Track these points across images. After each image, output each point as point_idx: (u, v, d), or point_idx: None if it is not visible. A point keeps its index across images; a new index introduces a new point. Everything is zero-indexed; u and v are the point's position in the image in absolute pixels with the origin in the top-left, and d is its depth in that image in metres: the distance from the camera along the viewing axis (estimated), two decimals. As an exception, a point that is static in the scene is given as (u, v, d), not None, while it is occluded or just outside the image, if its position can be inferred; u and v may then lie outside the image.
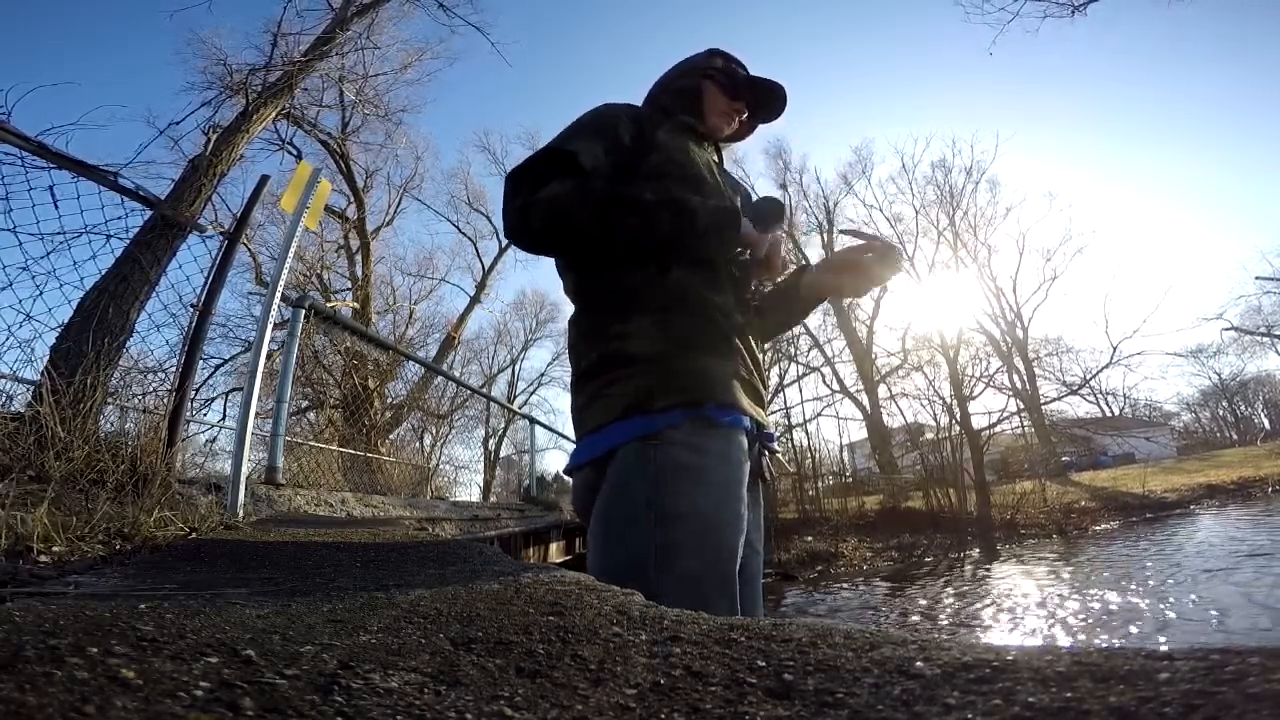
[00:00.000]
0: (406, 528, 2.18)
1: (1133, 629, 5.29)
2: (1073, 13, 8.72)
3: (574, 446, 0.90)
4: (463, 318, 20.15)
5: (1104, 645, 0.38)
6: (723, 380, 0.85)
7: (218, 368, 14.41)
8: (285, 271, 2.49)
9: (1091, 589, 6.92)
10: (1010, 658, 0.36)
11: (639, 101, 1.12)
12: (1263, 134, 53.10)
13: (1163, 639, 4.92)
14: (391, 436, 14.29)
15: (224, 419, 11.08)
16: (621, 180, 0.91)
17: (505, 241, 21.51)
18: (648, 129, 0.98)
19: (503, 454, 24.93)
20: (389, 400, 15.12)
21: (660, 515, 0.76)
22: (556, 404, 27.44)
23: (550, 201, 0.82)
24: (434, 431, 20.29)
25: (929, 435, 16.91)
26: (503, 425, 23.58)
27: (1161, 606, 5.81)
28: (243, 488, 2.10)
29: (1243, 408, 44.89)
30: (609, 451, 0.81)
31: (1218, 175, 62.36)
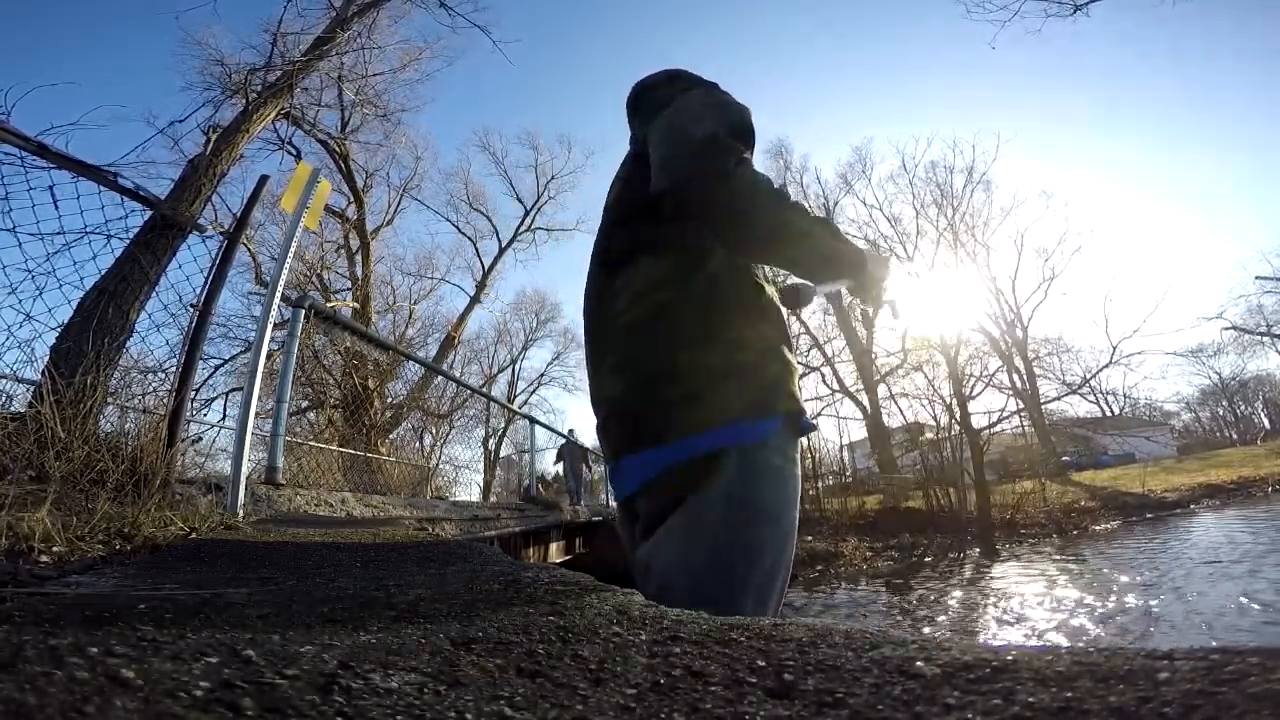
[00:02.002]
0: (406, 528, 2.18)
1: (1134, 628, 5.29)
2: (1074, 11, 8.72)
3: (644, 445, 0.85)
4: (463, 318, 20.14)
5: (1104, 645, 0.38)
6: (798, 389, 0.92)
7: (218, 368, 14.42)
8: (285, 271, 2.49)
9: (1091, 588, 6.92)
10: (1010, 658, 0.36)
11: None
12: (1263, 134, 53.08)
13: (1185, 638, 4.92)
14: (391, 436, 14.29)
15: (224, 419, 11.08)
16: None
17: (506, 241, 21.61)
18: (751, 155, 0.98)
19: (503, 454, 24.93)
20: (389, 400, 15.12)
21: (754, 517, 0.80)
22: (557, 404, 27.53)
23: (751, 185, 0.80)
24: (434, 431, 20.30)
25: (929, 435, 16.91)
26: (503, 425, 23.58)
27: (1161, 604, 5.82)
28: (243, 488, 2.10)
29: (1243, 407, 44.91)
30: (711, 454, 0.81)
31: (1218, 175, 62.36)
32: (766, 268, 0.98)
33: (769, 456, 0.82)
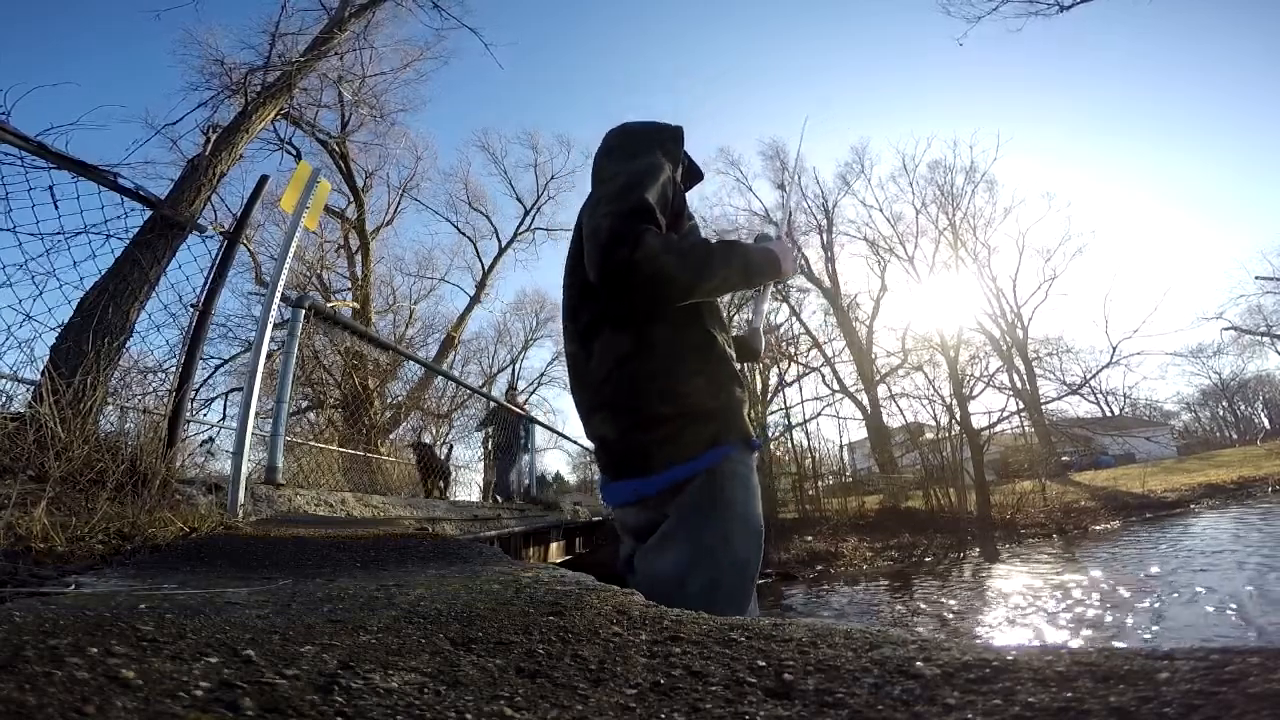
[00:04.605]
0: (406, 528, 2.18)
1: (1134, 628, 5.29)
2: (1059, 10, 8.74)
3: (636, 474, 1.07)
4: (463, 317, 20.14)
5: (1104, 645, 0.38)
6: (746, 418, 1.15)
7: (218, 368, 14.41)
8: (285, 271, 2.49)
9: (1092, 588, 6.92)
10: (1010, 658, 0.36)
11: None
12: (1263, 134, 53.01)
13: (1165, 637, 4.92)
14: (391, 436, 14.29)
15: (224, 419, 11.07)
16: None
17: (505, 241, 21.63)
18: (680, 198, 1.16)
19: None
20: (389, 400, 15.12)
21: (727, 512, 1.02)
22: (557, 404, 27.40)
23: (655, 258, 0.96)
24: (434, 431, 20.28)
25: (929, 435, 16.90)
26: (503, 425, 23.45)
27: (1162, 604, 5.82)
28: (243, 488, 2.10)
29: (1243, 407, 44.88)
30: (691, 476, 1.03)
31: (1218, 175, 62.22)
32: (714, 322, 1.20)
33: (734, 467, 1.05)
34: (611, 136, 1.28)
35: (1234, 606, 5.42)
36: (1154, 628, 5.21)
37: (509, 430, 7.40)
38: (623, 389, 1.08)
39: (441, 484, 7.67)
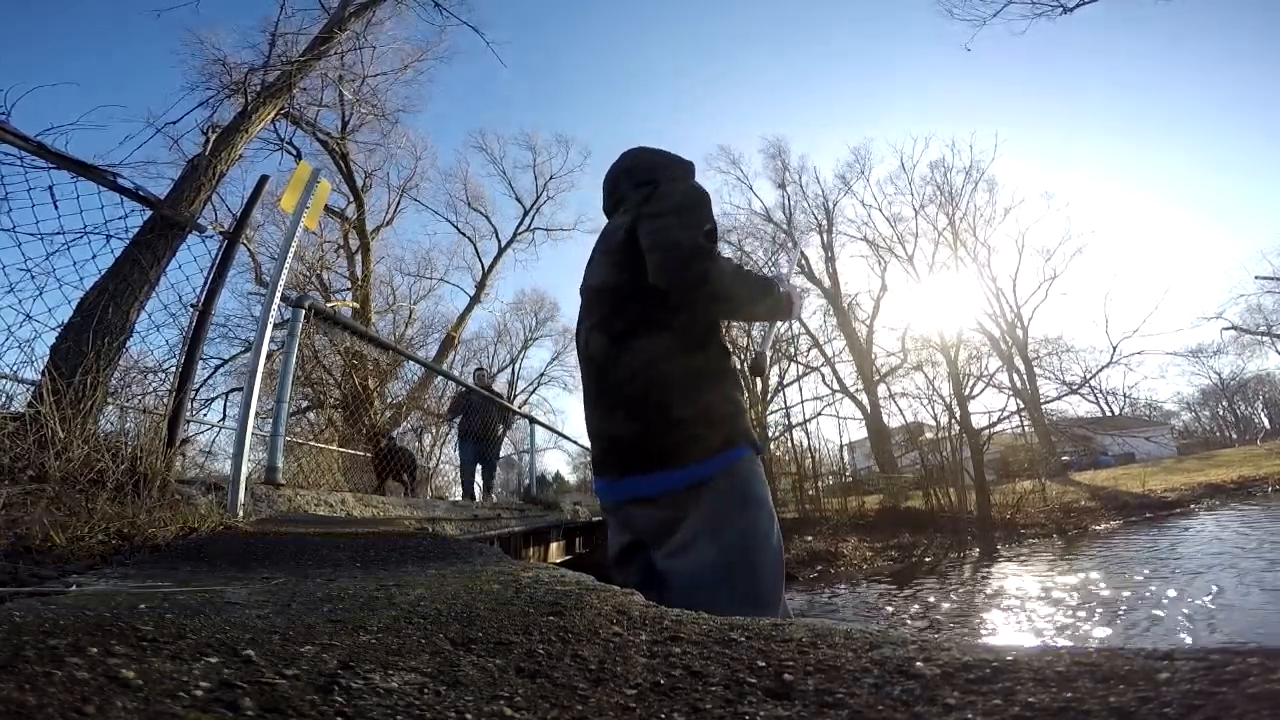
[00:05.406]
0: (407, 527, 2.18)
1: (1133, 627, 5.29)
2: (1063, 12, 8.75)
3: (659, 467, 1.15)
4: (463, 317, 20.14)
5: (1104, 645, 0.38)
6: (751, 424, 1.26)
7: (218, 368, 14.41)
8: (285, 271, 2.49)
9: (1091, 589, 6.92)
10: (1010, 658, 0.36)
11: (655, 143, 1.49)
12: (1263, 134, 52.94)
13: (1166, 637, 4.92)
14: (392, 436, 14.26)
15: (224, 419, 11.08)
16: None
17: (505, 241, 21.63)
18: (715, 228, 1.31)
19: (503, 454, 24.77)
20: (389, 400, 15.12)
21: (750, 501, 1.12)
22: (557, 404, 27.45)
23: (724, 277, 1.13)
24: (434, 431, 20.30)
25: (929, 435, 16.90)
26: (503, 426, 23.41)
27: (1161, 604, 5.82)
28: (243, 488, 2.10)
29: (1243, 407, 44.86)
30: (713, 475, 1.12)
31: (1218, 175, 62.07)
32: (726, 339, 1.33)
33: (750, 466, 1.16)
34: (651, 155, 1.40)
35: (1211, 604, 5.42)
36: (1154, 628, 5.21)
37: (484, 417, 6.65)
38: (650, 388, 1.15)
39: (406, 477, 6.86)
